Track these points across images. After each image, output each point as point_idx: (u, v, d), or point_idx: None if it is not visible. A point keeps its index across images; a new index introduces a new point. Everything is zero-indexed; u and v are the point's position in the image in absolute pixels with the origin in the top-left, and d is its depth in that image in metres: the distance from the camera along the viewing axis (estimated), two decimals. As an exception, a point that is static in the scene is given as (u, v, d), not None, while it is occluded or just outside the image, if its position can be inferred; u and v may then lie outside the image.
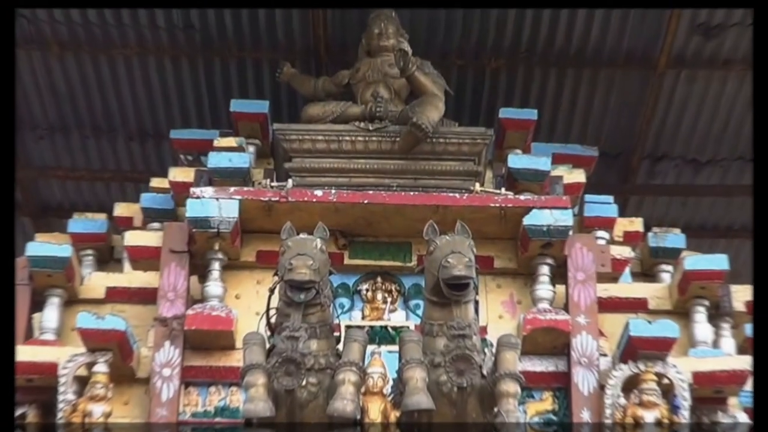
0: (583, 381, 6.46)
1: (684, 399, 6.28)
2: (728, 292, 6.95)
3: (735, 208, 9.43)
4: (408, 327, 6.65)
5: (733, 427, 6.51)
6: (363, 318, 6.86)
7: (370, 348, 5.82)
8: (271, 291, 5.79)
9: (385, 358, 5.81)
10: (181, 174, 7.34)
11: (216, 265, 6.72)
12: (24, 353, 6.39)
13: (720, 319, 6.99)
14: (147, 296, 6.77)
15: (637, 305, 6.96)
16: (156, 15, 8.08)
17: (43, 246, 6.82)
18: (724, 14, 8.03)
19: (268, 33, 8.22)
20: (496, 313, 6.86)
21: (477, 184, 7.03)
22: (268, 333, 5.79)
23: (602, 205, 7.53)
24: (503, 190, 7.04)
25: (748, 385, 6.46)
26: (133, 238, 6.94)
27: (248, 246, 6.87)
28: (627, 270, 7.20)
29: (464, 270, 5.43)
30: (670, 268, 7.37)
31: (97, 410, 6.15)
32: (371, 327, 6.73)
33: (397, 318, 6.87)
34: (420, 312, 6.42)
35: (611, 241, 7.40)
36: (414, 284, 6.83)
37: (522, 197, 6.87)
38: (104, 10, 8.04)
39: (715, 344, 6.90)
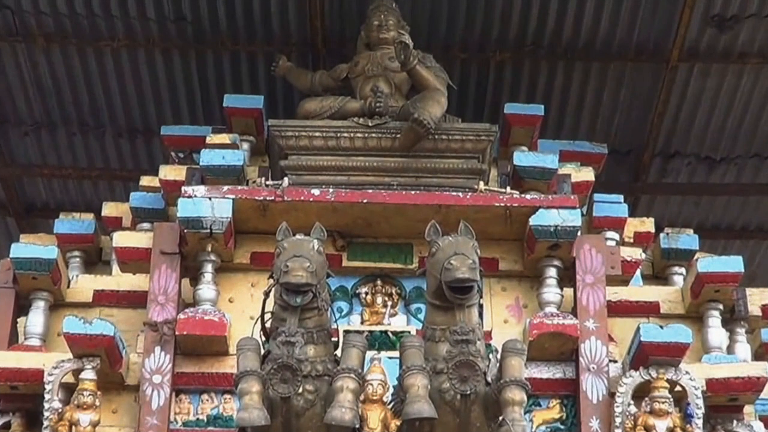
0: (592, 388, 6.43)
1: (697, 407, 6.24)
2: (743, 296, 6.90)
3: (750, 208, 9.41)
4: (409, 332, 6.58)
5: (748, 437, 6.54)
6: (362, 322, 6.83)
7: (370, 354, 5.75)
8: (266, 294, 5.70)
9: (385, 365, 5.78)
10: (172, 172, 7.28)
11: (208, 268, 6.68)
12: (8, 359, 6.40)
13: (735, 323, 6.95)
14: (136, 300, 6.74)
15: (649, 309, 6.93)
16: (146, 6, 8.02)
17: (28, 247, 6.77)
18: (739, 5, 7.96)
19: (263, 25, 8.15)
20: (501, 317, 6.83)
21: (481, 183, 6.97)
22: (263, 338, 5.71)
23: (612, 205, 7.45)
24: (508, 188, 6.98)
25: (765, 393, 6.50)
26: (121, 239, 6.88)
27: (242, 247, 6.83)
28: (638, 272, 7.14)
29: (468, 272, 5.35)
30: (682, 270, 7.38)
31: (85, 419, 6.11)
32: (371, 332, 6.68)
33: (398, 322, 6.83)
34: (421, 316, 6.46)
35: (621, 242, 7.34)
36: (415, 287, 6.81)
37: (528, 196, 6.83)
38: (92, 1, 8.00)
39: (730, 350, 6.88)
